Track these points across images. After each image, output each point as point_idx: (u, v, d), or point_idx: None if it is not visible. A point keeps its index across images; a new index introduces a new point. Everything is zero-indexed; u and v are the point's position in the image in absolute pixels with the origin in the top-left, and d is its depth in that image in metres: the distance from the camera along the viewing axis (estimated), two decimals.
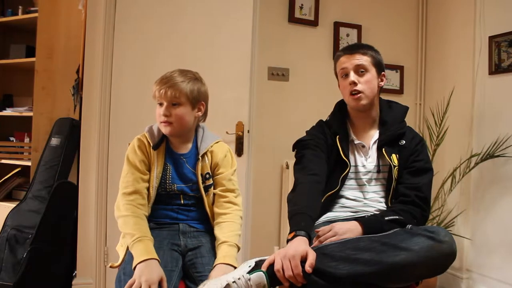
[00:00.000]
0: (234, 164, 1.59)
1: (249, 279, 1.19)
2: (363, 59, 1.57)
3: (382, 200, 1.57)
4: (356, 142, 1.61)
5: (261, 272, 1.21)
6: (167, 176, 1.50)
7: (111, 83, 2.35)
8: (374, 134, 1.62)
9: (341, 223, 1.41)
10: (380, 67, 1.61)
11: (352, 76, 1.56)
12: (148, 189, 1.47)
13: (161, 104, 1.47)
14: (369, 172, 1.58)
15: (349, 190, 1.58)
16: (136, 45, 2.36)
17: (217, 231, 1.47)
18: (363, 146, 1.60)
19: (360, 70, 1.56)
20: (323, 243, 1.34)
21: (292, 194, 1.48)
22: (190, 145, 1.55)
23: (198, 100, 1.50)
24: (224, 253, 1.39)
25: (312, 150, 1.57)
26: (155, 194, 1.47)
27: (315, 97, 2.79)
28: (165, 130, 1.48)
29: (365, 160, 1.59)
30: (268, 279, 1.21)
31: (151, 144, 1.49)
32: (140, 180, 1.46)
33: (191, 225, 1.49)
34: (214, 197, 1.54)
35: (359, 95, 1.56)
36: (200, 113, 1.53)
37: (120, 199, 1.45)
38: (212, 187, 1.54)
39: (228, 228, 1.47)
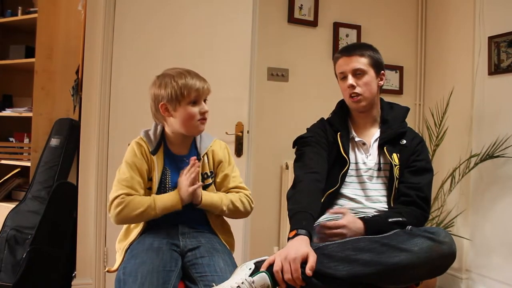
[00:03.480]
0: (232, 159, 1.61)
1: (253, 282, 1.19)
2: (361, 62, 1.57)
3: (384, 199, 1.56)
4: (357, 139, 1.61)
5: (264, 273, 1.21)
6: (167, 181, 1.48)
7: (110, 84, 2.35)
8: (375, 132, 1.63)
9: (353, 228, 1.40)
10: (378, 66, 1.61)
11: (350, 80, 1.57)
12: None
13: (197, 102, 1.44)
14: (370, 169, 1.58)
15: (350, 188, 1.57)
16: (136, 45, 2.36)
17: None
18: (364, 144, 1.61)
19: (357, 73, 1.57)
20: (324, 243, 1.33)
21: (293, 192, 1.48)
22: (189, 146, 1.55)
23: None
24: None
25: (312, 147, 1.57)
26: None
27: (314, 97, 2.79)
28: (203, 127, 1.48)
29: (366, 158, 1.59)
30: (271, 279, 1.21)
31: (150, 149, 1.46)
32: (141, 184, 1.43)
33: (190, 225, 1.49)
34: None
35: (358, 97, 1.57)
36: None
37: (114, 194, 1.39)
38: (213, 185, 1.54)
39: (229, 196, 1.51)
